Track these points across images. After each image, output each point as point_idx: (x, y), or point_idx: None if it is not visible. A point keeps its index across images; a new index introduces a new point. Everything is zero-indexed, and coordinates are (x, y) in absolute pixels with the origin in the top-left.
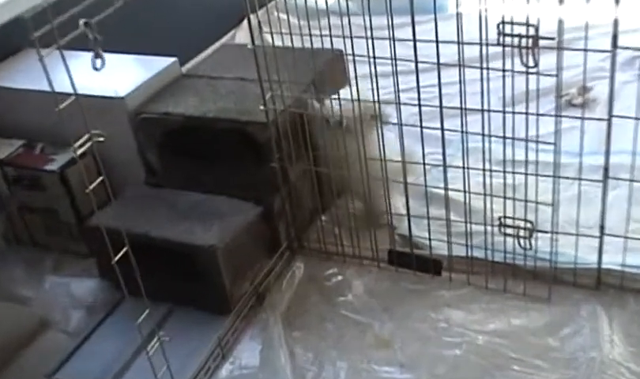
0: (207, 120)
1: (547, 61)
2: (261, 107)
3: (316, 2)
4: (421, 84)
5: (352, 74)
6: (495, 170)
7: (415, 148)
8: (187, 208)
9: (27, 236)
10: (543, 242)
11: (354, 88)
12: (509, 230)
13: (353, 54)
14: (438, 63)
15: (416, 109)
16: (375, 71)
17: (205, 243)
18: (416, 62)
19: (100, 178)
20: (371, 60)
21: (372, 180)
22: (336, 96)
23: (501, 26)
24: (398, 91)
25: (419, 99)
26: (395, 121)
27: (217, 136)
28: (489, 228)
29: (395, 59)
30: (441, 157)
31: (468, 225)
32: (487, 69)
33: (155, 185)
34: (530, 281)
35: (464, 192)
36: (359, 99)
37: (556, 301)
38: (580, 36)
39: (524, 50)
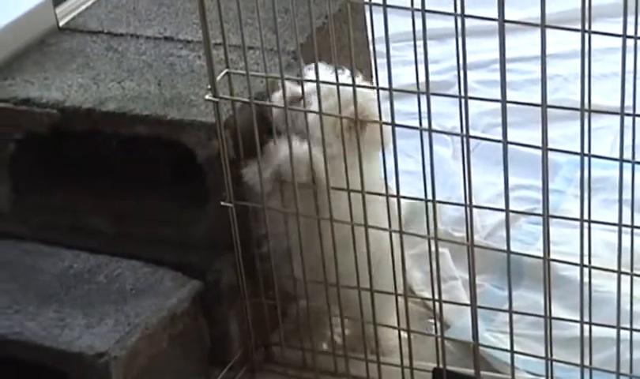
0: (104, 117)
1: None
2: (208, 96)
3: None
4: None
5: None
6: None
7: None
8: (59, 282)
9: None
10: None
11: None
12: None
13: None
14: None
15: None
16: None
17: (87, 350)
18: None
19: None
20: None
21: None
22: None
23: None
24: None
25: (503, 90)
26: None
27: (123, 147)
28: (626, 335)
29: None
30: (533, 195)
31: (587, 327)
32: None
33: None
34: None
35: (580, 265)
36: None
37: None
38: None
39: None
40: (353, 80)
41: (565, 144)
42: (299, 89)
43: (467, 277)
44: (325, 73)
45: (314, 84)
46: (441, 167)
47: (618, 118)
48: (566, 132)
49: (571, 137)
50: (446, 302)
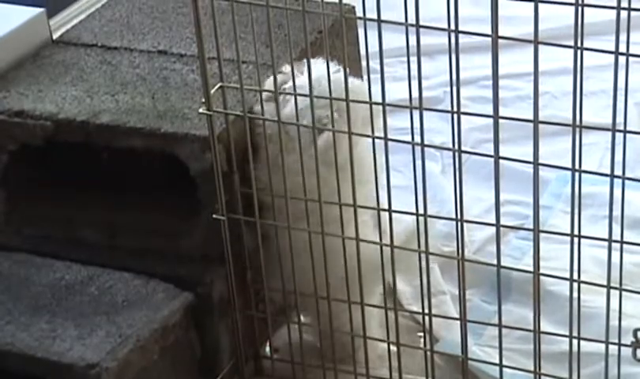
0: (98, 130)
1: None
2: (202, 110)
3: None
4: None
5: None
6: (634, 243)
7: (468, 195)
8: (51, 293)
9: None
10: None
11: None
12: None
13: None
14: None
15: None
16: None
17: (78, 361)
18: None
19: None
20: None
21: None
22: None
23: None
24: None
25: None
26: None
27: (116, 159)
28: (614, 350)
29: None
30: (522, 211)
31: (575, 342)
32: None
33: None
34: None
35: (570, 280)
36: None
37: None
38: None
39: None
40: (347, 91)
41: (553, 161)
42: (286, 78)
43: (456, 292)
44: (318, 66)
45: (300, 77)
46: (430, 183)
47: (606, 134)
48: (555, 149)
49: (559, 154)
50: (435, 315)
